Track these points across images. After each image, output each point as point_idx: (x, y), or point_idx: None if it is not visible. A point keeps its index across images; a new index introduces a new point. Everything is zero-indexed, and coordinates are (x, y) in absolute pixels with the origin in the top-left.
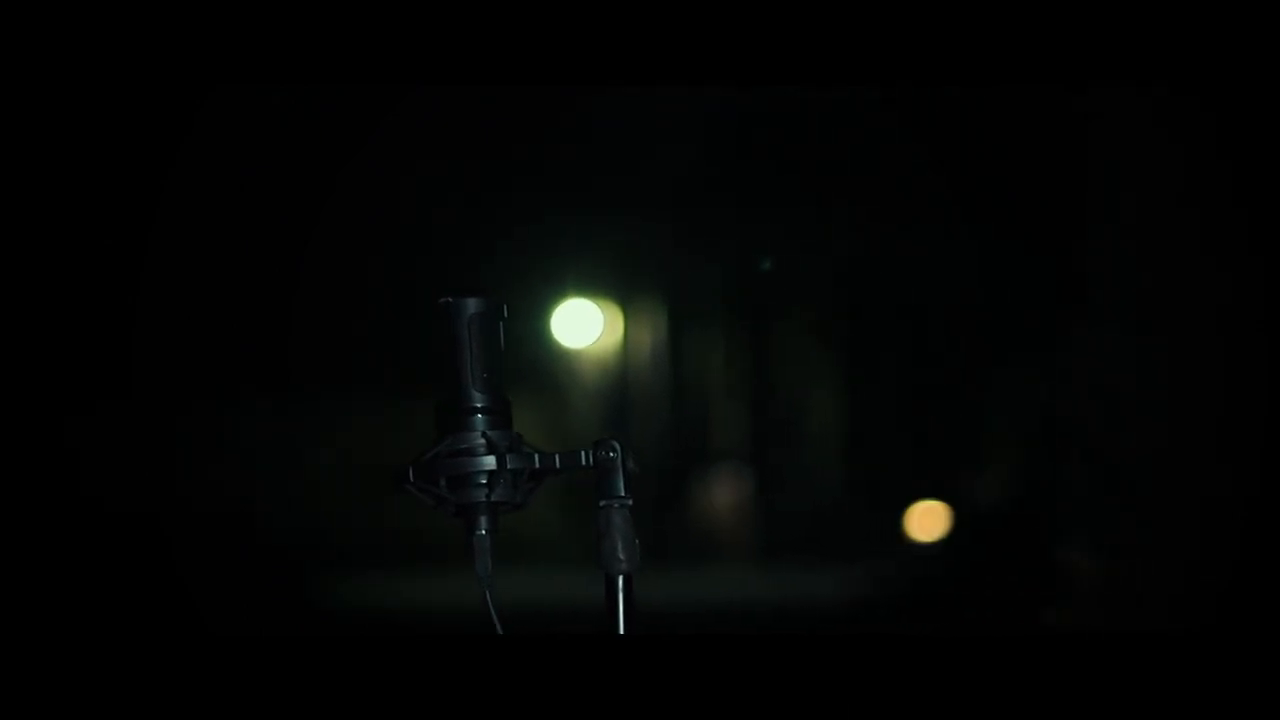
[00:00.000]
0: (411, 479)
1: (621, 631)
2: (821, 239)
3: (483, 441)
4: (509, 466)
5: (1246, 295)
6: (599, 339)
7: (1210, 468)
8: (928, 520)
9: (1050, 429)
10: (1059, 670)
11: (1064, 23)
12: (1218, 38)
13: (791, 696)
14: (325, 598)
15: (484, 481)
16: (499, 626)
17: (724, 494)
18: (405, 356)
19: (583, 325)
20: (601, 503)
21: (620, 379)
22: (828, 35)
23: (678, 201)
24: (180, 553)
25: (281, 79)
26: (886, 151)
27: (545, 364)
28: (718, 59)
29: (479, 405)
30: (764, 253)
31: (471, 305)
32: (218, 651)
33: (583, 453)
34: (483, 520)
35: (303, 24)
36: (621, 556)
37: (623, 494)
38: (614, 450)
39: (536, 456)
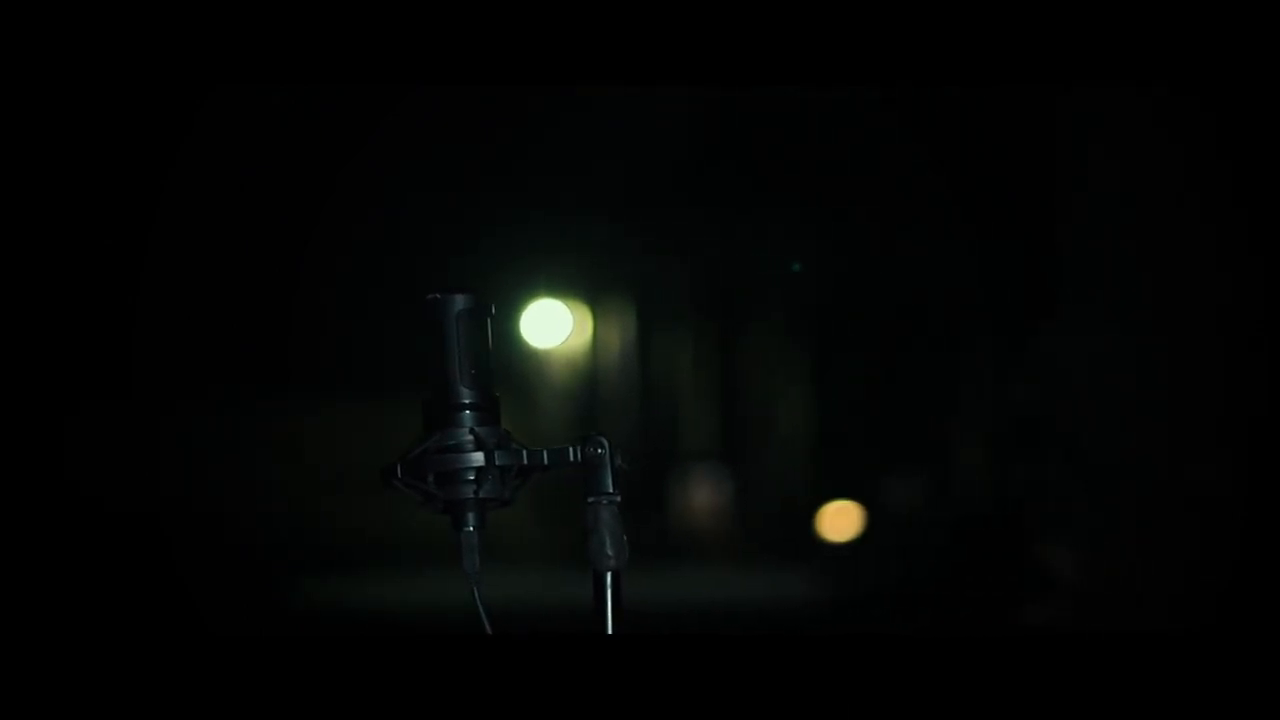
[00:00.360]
0: (399, 475)
1: (610, 628)
2: (797, 239)
3: (470, 438)
4: (497, 463)
5: (1246, 295)
6: (568, 339)
7: (1209, 468)
8: (840, 521)
9: (1045, 429)
10: (1056, 670)
11: (1064, 23)
12: (1218, 38)
13: (784, 696)
14: (313, 596)
15: (472, 478)
16: (488, 624)
17: (698, 495)
18: (393, 354)
19: (552, 325)
20: (590, 499)
21: (590, 379)
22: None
23: (647, 202)
24: (179, 552)
25: (277, 79)
26: (884, 153)
27: (515, 364)
28: (714, 59)
29: (467, 402)
30: (750, 254)
31: (459, 302)
32: (208, 650)
33: (571, 449)
34: (470, 517)
35: (291, 25)
36: (610, 553)
37: (611, 490)
38: (602, 447)
39: (524, 453)
